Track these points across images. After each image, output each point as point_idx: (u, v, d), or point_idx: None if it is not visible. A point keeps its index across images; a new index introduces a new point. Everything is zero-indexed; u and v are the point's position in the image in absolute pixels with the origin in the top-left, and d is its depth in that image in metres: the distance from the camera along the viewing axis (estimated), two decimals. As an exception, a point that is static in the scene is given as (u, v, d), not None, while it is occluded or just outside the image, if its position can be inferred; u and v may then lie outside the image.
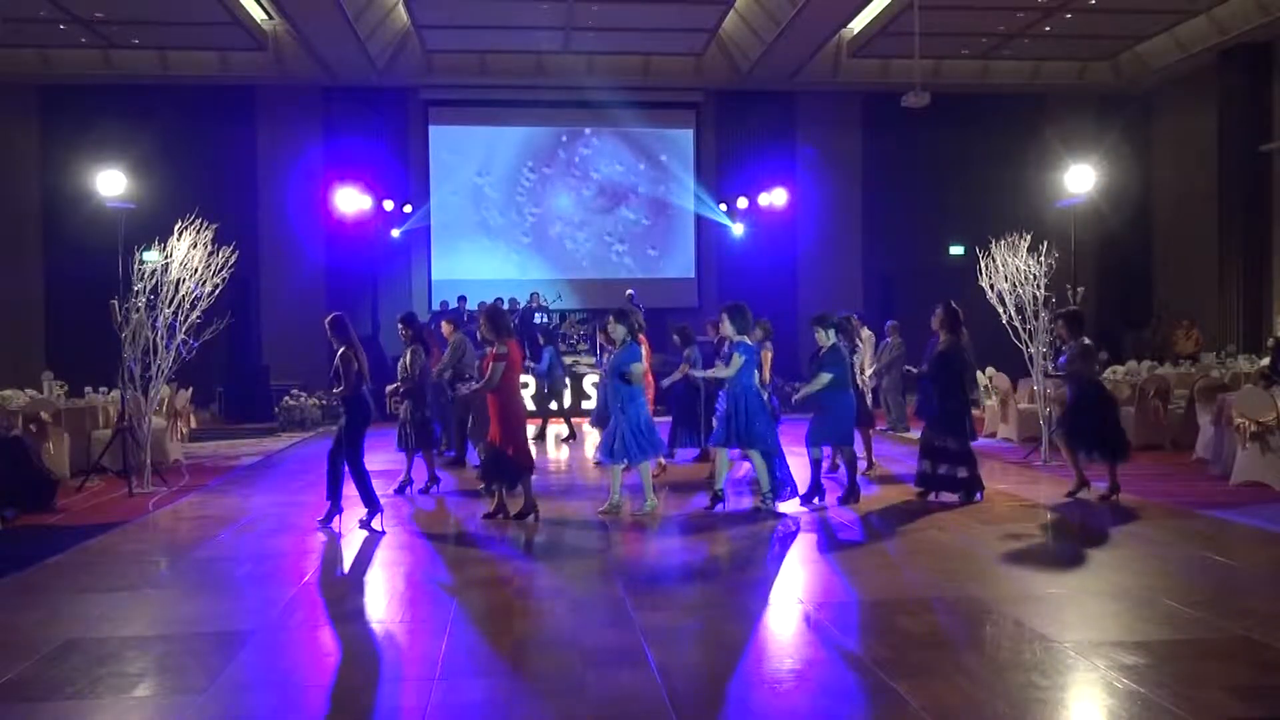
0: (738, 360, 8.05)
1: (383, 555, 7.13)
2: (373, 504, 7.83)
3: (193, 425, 14.45)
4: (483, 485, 8.44)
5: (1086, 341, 8.75)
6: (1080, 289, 11.32)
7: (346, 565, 6.90)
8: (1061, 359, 8.93)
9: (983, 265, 11.29)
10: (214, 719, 4.14)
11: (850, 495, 8.58)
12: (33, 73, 18.44)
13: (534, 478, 8.06)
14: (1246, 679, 4.36)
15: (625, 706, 4.19)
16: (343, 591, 6.25)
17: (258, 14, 17.32)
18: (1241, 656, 4.65)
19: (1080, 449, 8.69)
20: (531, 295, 18.27)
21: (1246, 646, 4.77)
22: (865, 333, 14.88)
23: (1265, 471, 9.00)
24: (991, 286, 11.16)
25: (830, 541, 7.48)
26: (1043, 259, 10.92)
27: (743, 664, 4.74)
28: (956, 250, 18.40)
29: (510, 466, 7.84)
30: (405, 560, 6.98)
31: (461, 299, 18.14)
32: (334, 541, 7.50)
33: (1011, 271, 11.00)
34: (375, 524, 7.78)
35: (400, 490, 9.43)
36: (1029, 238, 11.11)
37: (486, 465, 8.06)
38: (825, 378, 8.25)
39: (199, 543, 7.53)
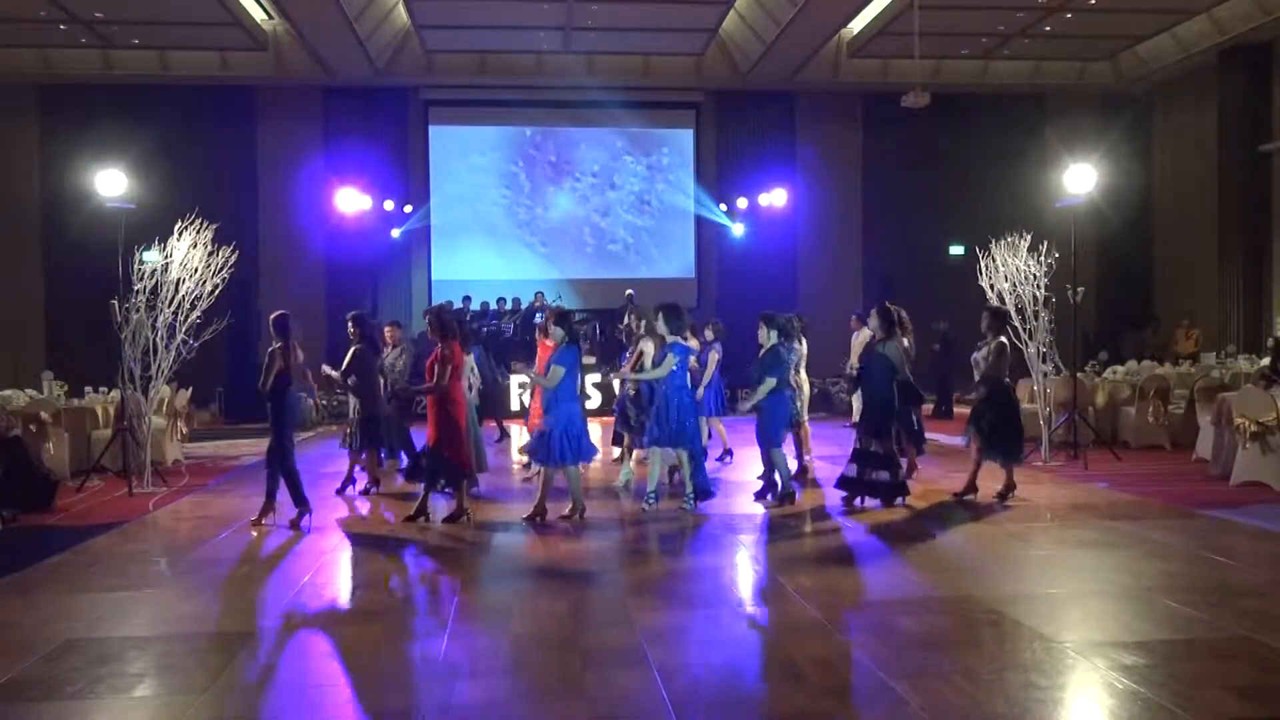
0: (671, 360, 8.13)
1: (378, 556, 7.13)
2: (269, 504, 7.96)
3: (193, 425, 14.44)
4: (441, 486, 8.24)
5: (1003, 340, 8.74)
6: (1080, 289, 11.30)
7: (345, 566, 6.90)
8: (975, 354, 8.83)
9: (983, 265, 11.30)
10: (214, 719, 4.15)
11: (784, 497, 8.54)
12: (33, 73, 18.42)
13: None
14: (1246, 679, 4.36)
15: (625, 706, 4.20)
16: (342, 592, 6.26)
17: (258, 14, 17.32)
18: (1241, 656, 4.65)
19: (982, 448, 8.67)
20: (536, 295, 18.29)
21: (1246, 646, 4.77)
22: (865, 332, 14.88)
23: (1265, 471, 9.00)
24: (991, 286, 11.16)
25: (825, 542, 7.49)
26: (1043, 259, 10.92)
27: (742, 664, 4.74)
28: (956, 250, 18.37)
29: (449, 468, 7.83)
30: (401, 561, 6.98)
31: (466, 299, 18.17)
32: (334, 542, 7.49)
33: (1011, 271, 11.00)
34: (264, 521, 7.96)
35: (366, 491, 9.46)
36: (1029, 238, 11.11)
37: (422, 467, 8.02)
38: (770, 382, 8.27)
39: (199, 543, 7.53)
